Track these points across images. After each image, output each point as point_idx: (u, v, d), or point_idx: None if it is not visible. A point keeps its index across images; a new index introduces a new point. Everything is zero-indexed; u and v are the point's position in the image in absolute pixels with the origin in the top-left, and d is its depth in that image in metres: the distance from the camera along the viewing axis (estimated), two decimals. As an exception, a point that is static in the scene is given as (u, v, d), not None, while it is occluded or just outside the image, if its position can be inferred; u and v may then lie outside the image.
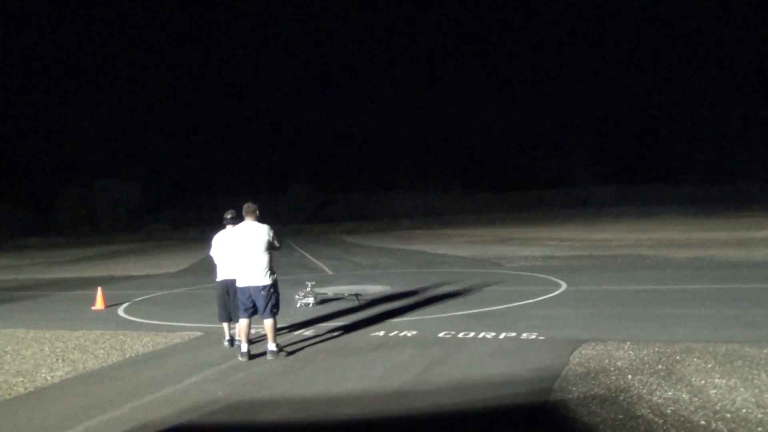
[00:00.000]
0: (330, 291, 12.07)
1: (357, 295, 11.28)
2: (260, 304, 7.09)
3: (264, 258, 7.12)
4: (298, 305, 10.75)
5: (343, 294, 11.72)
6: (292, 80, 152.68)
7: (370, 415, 5.01)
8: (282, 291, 7.48)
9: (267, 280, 7.10)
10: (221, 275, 8.00)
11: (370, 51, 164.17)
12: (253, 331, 7.46)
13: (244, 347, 7.09)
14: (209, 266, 8.49)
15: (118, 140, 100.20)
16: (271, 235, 7.18)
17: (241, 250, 7.14)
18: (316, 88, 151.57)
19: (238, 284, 7.22)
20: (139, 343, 8.41)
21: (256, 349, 7.33)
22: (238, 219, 7.69)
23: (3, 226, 73.87)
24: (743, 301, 9.42)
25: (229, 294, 7.84)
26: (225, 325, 8.00)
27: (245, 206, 7.33)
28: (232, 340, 7.88)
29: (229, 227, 7.94)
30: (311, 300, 11.00)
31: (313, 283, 11.57)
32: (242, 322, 7.16)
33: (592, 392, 5.14)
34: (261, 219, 7.32)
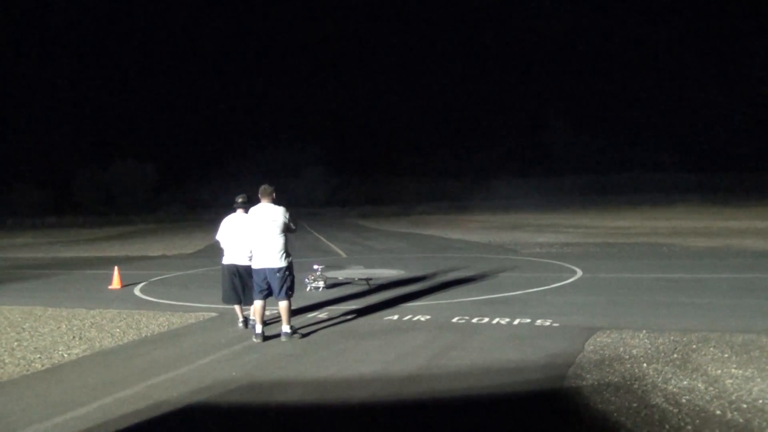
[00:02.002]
0: (340, 275, 12.07)
1: (367, 279, 11.26)
2: (275, 286, 7.11)
3: (280, 240, 7.13)
4: (308, 289, 10.77)
5: (354, 278, 11.71)
6: (309, 62, 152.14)
7: (383, 398, 5.02)
8: (295, 273, 7.49)
9: (283, 263, 7.12)
10: (229, 259, 8.00)
11: (382, 37, 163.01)
12: (267, 312, 7.49)
13: (259, 329, 7.13)
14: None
15: (135, 121, 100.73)
16: (287, 216, 7.18)
17: (257, 231, 7.15)
18: (332, 71, 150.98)
19: (254, 266, 7.24)
20: (155, 323, 8.49)
21: (270, 331, 7.36)
22: (249, 204, 7.68)
23: (22, 205, 74.81)
24: (761, 291, 9.32)
25: (239, 277, 7.85)
26: (237, 307, 8.04)
27: (262, 188, 7.31)
28: (246, 321, 7.91)
29: (239, 211, 7.93)
30: (321, 284, 11.01)
31: (322, 266, 11.54)
32: (257, 304, 7.19)
33: (606, 380, 5.11)
34: (276, 201, 7.31)
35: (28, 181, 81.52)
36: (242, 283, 7.85)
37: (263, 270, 7.15)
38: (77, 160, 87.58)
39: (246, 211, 7.60)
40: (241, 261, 7.84)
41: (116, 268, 13.20)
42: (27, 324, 8.73)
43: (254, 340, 7.08)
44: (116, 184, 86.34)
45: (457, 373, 5.60)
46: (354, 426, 4.53)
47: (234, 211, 8.06)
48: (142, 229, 49.53)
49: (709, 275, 11.37)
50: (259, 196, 7.30)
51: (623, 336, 6.60)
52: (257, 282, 7.22)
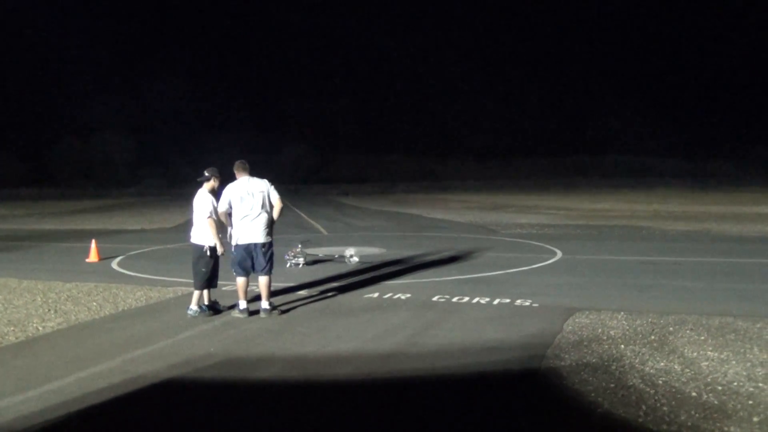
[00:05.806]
0: (321, 252, 12.04)
1: (348, 257, 11.24)
2: (259, 262, 7.04)
3: (266, 215, 7.06)
4: (288, 265, 10.71)
5: (334, 256, 11.68)
6: (291, 36, 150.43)
7: (363, 375, 5.01)
8: (275, 249, 7.40)
9: (269, 237, 7.08)
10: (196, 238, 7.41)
11: (372, 19, 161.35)
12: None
13: (243, 304, 7.07)
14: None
15: (116, 93, 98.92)
16: (273, 188, 7.12)
17: (243, 206, 7.02)
18: (315, 45, 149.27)
19: (238, 241, 7.10)
20: (132, 297, 8.40)
21: (249, 307, 7.30)
22: (204, 181, 7.30)
23: (-2, 176, 73.57)
24: (738, 275, 9.44)
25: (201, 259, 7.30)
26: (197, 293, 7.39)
27: (238, 163, 7.18)
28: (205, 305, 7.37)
29: (205, 186, 7.32)
30: (301, 260, 10.95)
31: (301, 244, 11.44)
32: (240, 280, 7.11)
33: (584, 360, 5.14)
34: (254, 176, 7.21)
35: (4, 152, 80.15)
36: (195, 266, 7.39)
37: (248, 245, 7.06)
38: (55, 132, 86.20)
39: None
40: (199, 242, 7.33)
41: (94, 241, 13.02)
42: (1, 296, 8.59)
43: (239, 315, 7.01)
44: (95, 157, 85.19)
45: (437, 351, 5.60)
46: (333, 402, 4.52)
47: (200, 185, 7.39)
48: (120, 202, 48.91)
49: (688, 258, 11.49)
50: (236, 171, 7.16)
51: (602, 317, 6.65)
52: (241, 258, 7.12)
